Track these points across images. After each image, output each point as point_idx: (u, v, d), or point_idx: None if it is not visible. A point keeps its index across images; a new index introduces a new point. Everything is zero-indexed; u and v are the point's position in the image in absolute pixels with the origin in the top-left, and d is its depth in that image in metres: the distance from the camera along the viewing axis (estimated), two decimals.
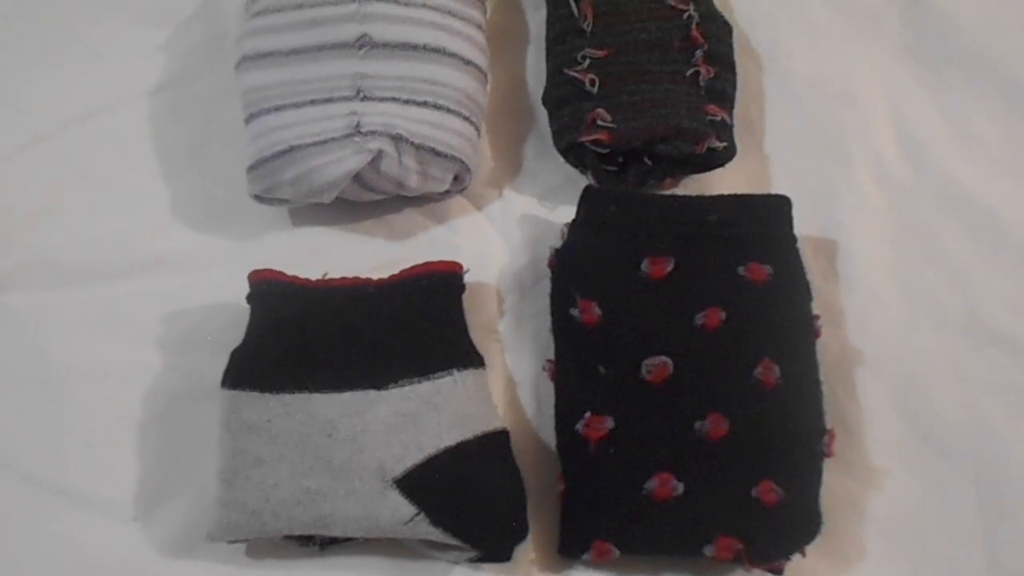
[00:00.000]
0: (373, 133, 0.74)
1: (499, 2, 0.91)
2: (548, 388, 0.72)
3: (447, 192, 0.80)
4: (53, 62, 0.88)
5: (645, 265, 0.71)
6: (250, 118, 0.77)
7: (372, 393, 0.67)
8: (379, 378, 0.68)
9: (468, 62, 0.79)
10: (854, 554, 0.70)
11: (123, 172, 0.83)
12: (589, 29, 0.81)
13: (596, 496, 0.66)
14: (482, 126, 0.81)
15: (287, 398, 0.67)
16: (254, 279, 0.72)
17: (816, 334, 0.71)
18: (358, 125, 0.74)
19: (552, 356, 0.73)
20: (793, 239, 0.74)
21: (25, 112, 0.86)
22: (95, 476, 0.72)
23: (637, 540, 0.66)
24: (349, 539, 0.68)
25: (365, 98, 0.76)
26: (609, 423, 0.67)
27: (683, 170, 0.80)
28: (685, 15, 0.82)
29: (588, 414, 0.67)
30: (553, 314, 0.73)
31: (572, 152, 0.79)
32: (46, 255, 0.79)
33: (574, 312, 0.70)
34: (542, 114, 0.83)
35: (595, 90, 0.78)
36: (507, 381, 0.75)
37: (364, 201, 0.79)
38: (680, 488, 0.65)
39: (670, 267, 0.70)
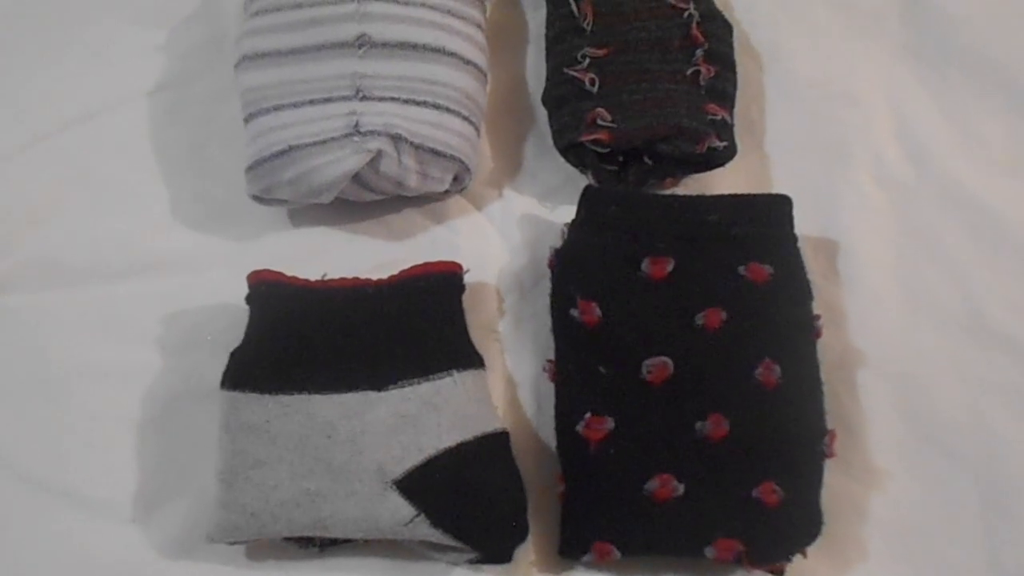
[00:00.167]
0: (372, 133, 0.74)
1: (499, 1, 0.91)
2: (548, 388, 0.72)
3: (447, 192, 0.80)
4: (53, 62, 0.88)
5: (645, 265, 0.70)
6: (249, 118, 0.77)
7: (372, 394, 0.67)
8: (379, 379, 0.68)
9: (468, 61, 0.78)
10: (855, 555, 0.70)
11: (122, 172, 0.83)
12: (589, 28, 0.81)
13: (596, 497, 0.66)
14: (482, 126, 0.81)
15: (286, 399, 0.67)
16: (253, 280, 0.72)
17: (817, 334, 0.71)
18: (357, 125, 0.74)
19: (552, 356, 0.73)
20: (794, 239, 0.73)
21: (25, 112, 0.86)
22: (94, 477, 0.72)
23: (638, 541, 0.66)
24: (349, 540, 0.68)
25: (364, 98, 0.75)
26: (609, 424, 0.67)
27: (683, 170, 0.79)
28: (685, 14, 0.81)
29: (588, 415, 0.67)
30: (553, 314, 0.73)
31: (572, 152, 0.79)
32: (46, 255, 0.79)
33: (574, 312, 0.70)
34: (542, 113, 0.83)
35: (595, 89, 0.78)
36: (507, 381, 0.75)
37: (363, 201, 0.79)
38: (680, 489, 0.65)
39: (670, 267, 0.70)
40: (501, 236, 0.81)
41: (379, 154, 0.73)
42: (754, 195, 0.75)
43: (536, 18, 0.90)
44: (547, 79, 0.82)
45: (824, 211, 0.80)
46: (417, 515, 0.64)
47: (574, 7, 0.82)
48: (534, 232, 0.81)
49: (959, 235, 0.80)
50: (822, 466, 0.68)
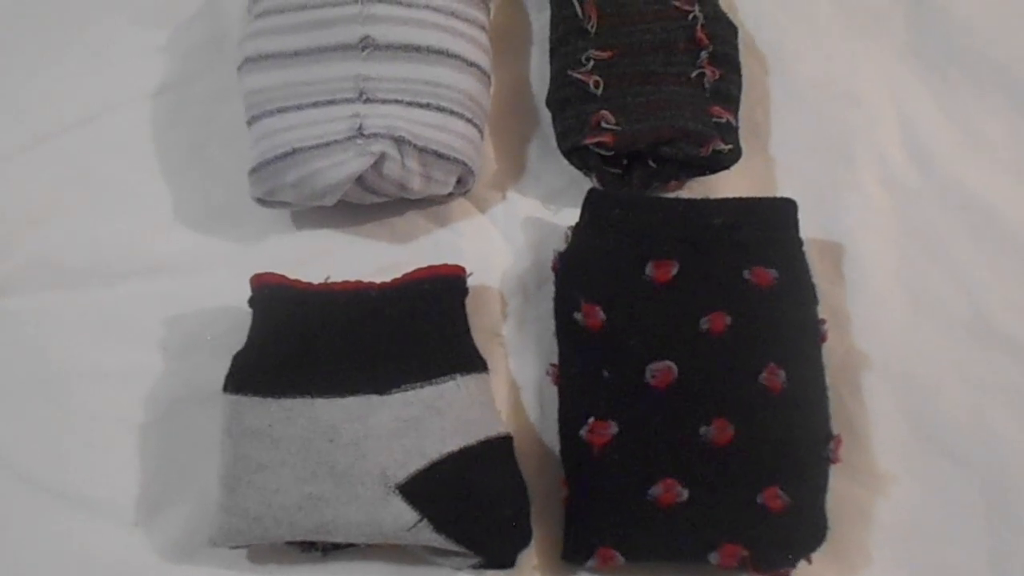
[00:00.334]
0: (376, 136, 0.73)
1: (503, 3, 0.91)
2: (552, 392, 0.72)
3: (450, 194, 0.80)
4: (53, 63, 0.88)
5: (649, 269, 0.70)
6: (252, 120, 0.77)
7: (374, 398, 0.67)
8: (381, 383, 0.67)
9: (471, 64, 0.78)
10: (860, 560, 0.70)
11: (123, 173, 0.83)
12: (593, 30, 0.81)
13: (600, 502, 0.66)
14: (485, 128, 0.81)
15: (289, 403, 0.67)
16: (256, 283, 0.72)
17: (822, 338, 0.71)
18: (361, 127, 0.74)
19: (556, 360, 0.72)
20: (799, 242, 0.73)
21: (26, 113, 0.86)
22: (96, 479, 0.72)
23: (641, 546, 0.65)
24: (351, 545, 0.68)
25: (368, 100, 0.75)
26: (613, 428, 0.66)
27: (688, 172, 0.79)
28: (690, 16, 0.81)
29: (592, 419, 0.67)
30: (557, 318, 0.73)
31: (576, 154, 0.78)
32: (46, 257, 0.79)
33: (578, 316, 0.70)
34: (546, 116, 0.83)
35: (599, 92, 0.78)
36: (510, 385, 0.75)
37: (366, 203, 0.79)
38: (685, 494, 0.65)
39: (675, 271, 0.70)
40: (505, 239, 0.81)
41: (382, 157, 0.73)
42: (759, 199, 0.75)
43: (540, 20, 0.90)
44: (551, 81, 0.82)
45: (828, 213, 0.80)
46: (420, 520, 0.64)
47: (578, 9, 0.81)
48: (538, 235, 0.80)
49: (963, 237, 0.80)
50: (827, 471, 0.67)
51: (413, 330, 0.69)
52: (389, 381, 0.67)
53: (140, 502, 0.71)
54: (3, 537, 0.71)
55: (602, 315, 0.69)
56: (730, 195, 0.76)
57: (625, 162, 0.79)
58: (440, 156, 0.75)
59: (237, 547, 0.67)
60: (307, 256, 0.79)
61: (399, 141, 0.74)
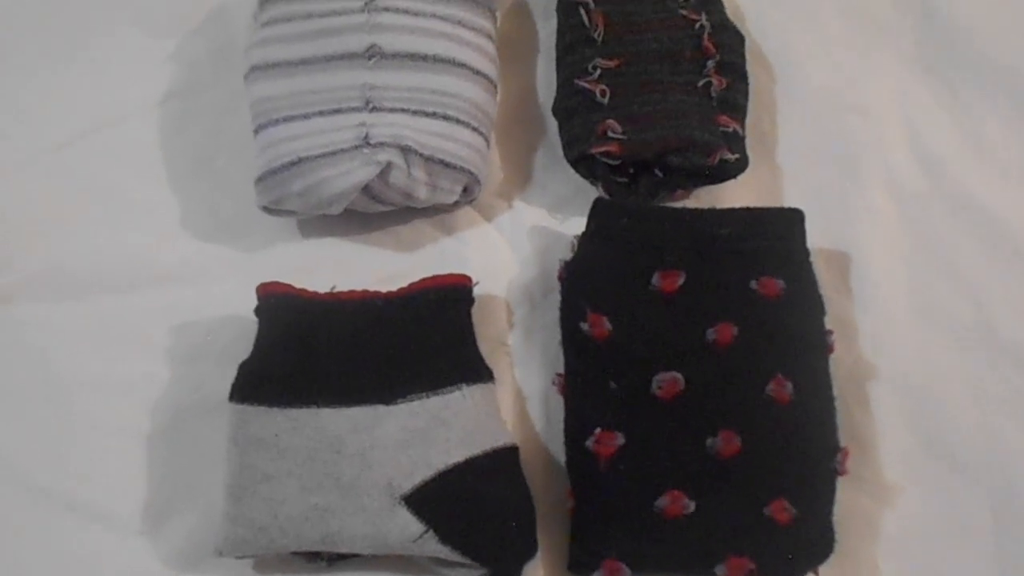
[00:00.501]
0: (382, 145, 0.73)
1: (509, 11, 0.91)
2: (558, 402, 0.71)
3: (456, 203, 0.79)
4: (60, 73, 0.88)
5: (656, 279, 0.70)
6: (258, 129, 0.77)
7: (380, 408, 0.67)
8: (388, 393, 0.67)
9: (477, 72, 0.78)
10: (867, 572, 0.69)
11: (130, 183, 0.83)
12: (600, 39, 0.81)
13: (606, 513, 0.66)
14: (491, 137, 0.81)
15: (295, 413, 0.66)
16: (262, 292, 0.72)
17: (829, 349, 0.70)
18: (367, 136, 0.74)
19: (562, 370, 0.72)
20: (806, 253, 0.73)
21: (33, 123, 0.86)
22: (101, 489, 0.72)
23: (648, 559, 0.65)
24: (357, 555, 0.68)
25: (374, 109, 0.75)
26: (619, 439, 0.66)
27: (694, 182, 0.79)
28: (697, 25, 0.81)
29: (598, 430, 0.67)
30: (563, 327, 0.72)
31: (582, 163, 0.78)
32: (53, 266, 0.79)
33: (584, 326, 0.70)
34: (552, 124, 0.83)
35: (606, 101, 0.78)
36: (516, 394, 0.75)
37: (372, 212, 0.79)
38: (691, 506, 0.64)
39: (681, 281, 0.70)
40: (511, 247, 0.81)
41: (389, 166, 0.73)
42: (766, 208, 0.75)
43: (546, 27, 0.89)
44: (557, 90, 0.82)
45: (836, 223, 0.80)
46: (426, 531, 0.64)
47: (585, 18, 0.81)
48: (544, 243, 0.80)
49: (971, 247, 0.80)
50: (834, 484, 0.67)
51: (419, 340, 0.69)
52: (395, 391, 0.67)
53: (146, 511, 0.71)
54: (9, 546, 0.71)
55: (608, 325, 0.69)
56: (737, 204, 0.76)
57: (632, 171, 0.78)
58: (446, 165, 0.75)
59: (243, 557, 0.67)
60: (313, 265, 0.79)
61: (405, 150, 0.74)
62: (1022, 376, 0.75)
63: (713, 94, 0.79)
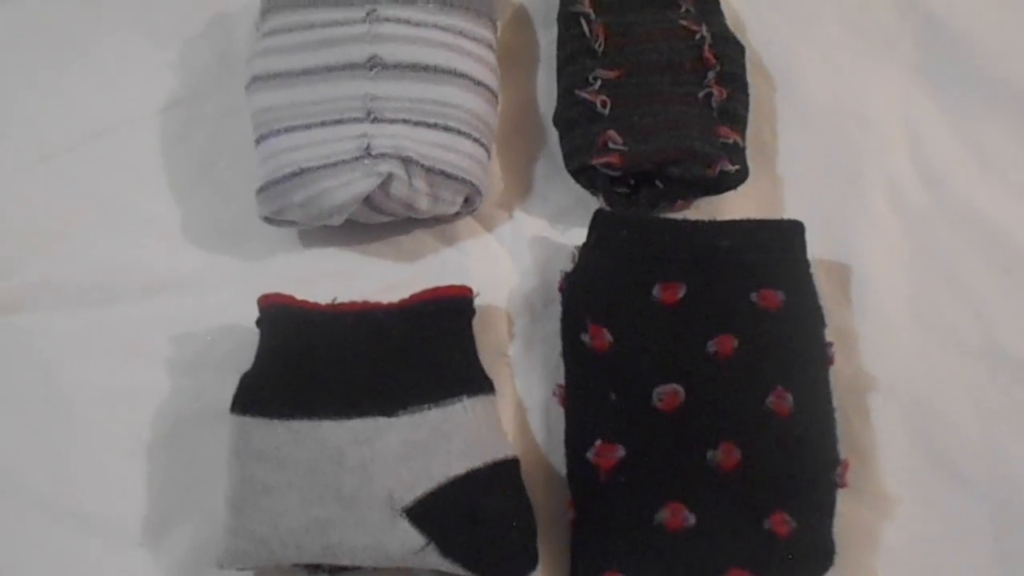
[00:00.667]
0: (383, 156, 0.74)
1: (509, 20, 0.91)
2: (558, 413, 0.71)
3: (457, 214, 0.80)
4: (61, 80, 0.88)
5: (657, 291, 0.70)
6: (260, 139, 0.77)
7: (381, 420, 0.67)
8: (388, 405, 0.67)
9: (478, 83, 0.78)
10: None
11: (131, 192, 0.83)
12: (600, 50, 0.81)
13: (607, 526, 0.66)
14: (492, 147, 0.81)
15: (296, 425, 0.66)
16: (264, 304, 0.72)
17: (830, 361, 0.70)
18: (368, 147, 0.74)
19: (562, 381, 0.72)
20: (806, 265, 0.73)
21: (34, 131, 0.86)
22: (102, 499, 0.72)
23: (648, 571, 0.65)
24: (358, 568, 0.67)
25: (375, 120, 0.75)
26: (620, 452, 0.66)
27: (695, 192, 0.79)
28: (697, 36, 0.81)
29: (599, 442, 0.67)
30: (563, 339, 0.72)
31: (583, 174, 0.78)
32: (54, 275, 0.79)
33: (585, 338, 0.70)
34: (553, 133, 0.83)
35: (606, 112, 0.78)
36: (517, 405, 0.74)
37: (373, 223, 0.79)
38: (692, 519, 0.64)
39: (682, 293, 0.70)
40: (511, 258, 0.81)
41: (390, 177, 0.73)
42: (766, 221, 0.75)
43: (547, 36, 0.90)
44: (558, 100, 0.82)
45: (836, 234, 0.80)
46: (427, 544, 0.63)
47: (586, 28, 0.81)
48: (545, 254, 0.80)
49: (972, 258, 0.80)
50: (835, 496, 0.67)
51: (420, 351, 0.69)
52: (396, 403, 0.67)
53: (146, 522, 0.71)
54: (9, 556, 0.70)
55: (609, 337, 0.69)
56: (737, 215, 0.76)
57: (632, 182, 0.78)
58: (447, 176, 0.75)
59: (244, 569, 0.66)
60: (314, 274, 0.79)
61: (406, 161, 0.74)
62: (1023, 386, 0.75)
63: (714, 105, 0.79)
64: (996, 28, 0.89)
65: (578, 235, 0.77)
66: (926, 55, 0.88)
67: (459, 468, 0.65)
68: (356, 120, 0.75)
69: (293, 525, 0.64)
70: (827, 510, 0.66)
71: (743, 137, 0.80)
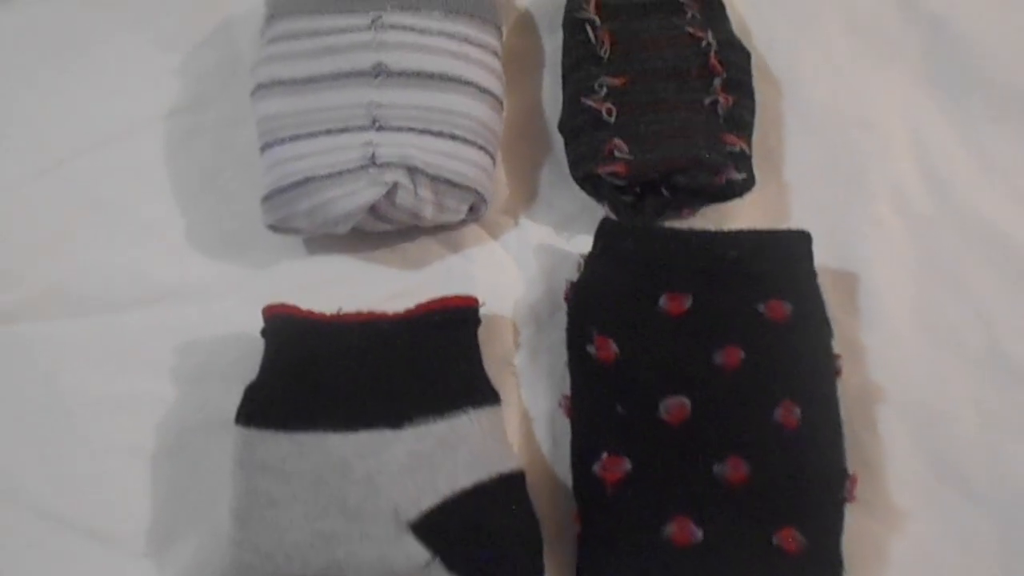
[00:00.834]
0: (388, 165, 0.73)
1: (514, 25, 0.91)
2: (564, 424, 0.71)
3: (462, 221, 0.79)
4: (65, 87, 0.88)
5: (663, 301, 0.70)
6: (265, 147, 0.77)
7: (387, 433, 0.66)
8: (394, 417, 0.67)
9: (484, 90, 0.78)
10: None
11: (136, 200, 0.83)
12: (606, 56, 0.81)
13: (614, 540, 0.65)
14: (498, 154, 0.80)
15: (301, 437, 0.66)
16: (269, 314, 0.71)
17: (837, 373, 0.70)
18: (373, 156, 0.74)
19: (568, 390, 0.72)
20: (813, 275, 0.72)
21: (38, 138, 0.86)
22: (106, 510, 0.71)
23: None
24: None
25: (381, 128, 0.75)
26: (626, 465, 0.66)
27: (701, 200, 0.79)
28: (703, 42, 0.81)
29: (605, 455, 0.66)
30: (569, 350, 0.72)
31: (589, 182, 0.78)
32: (58, 284, 0.79)
33: (591, 349, 0.69)
34: (558, 139, 0.82)
35: (612, 119, 0.78)
36: (523, 415, 0.74)
37: (379, 231, 0.78)
38: (699, 534, 0.63)
39: (688, 303, 0.69)
40: (517, 265, 0.80)
41: (395, 186, 0.73)
42: (773, 231, 0.74)
43: (552, 42, 0.89)
44: (564, 107, 0.81)
45: (842, 242, 0.79)
46: (433, 559, 0.63)
47: (591, 35, 0.81)
48: (550, 262, 0.80)
49: (980, 266, 0.79)
50: (843, 511, 0.66)
51: (426, 362, 0.69)
52: (402, 415, 0.67)
53: (150, 533, 0.70)
54: (10, 566, 0.70)
55: (615, 348, 0.69)
56: (744, 222, 0.76)
57: (638, 190, 0.78)
58: (453, 184, 0.75)
59: None
60: (319, 282, 0.78)
61: (412, 170, 0.73)
62: None
63: (720, 112, 0.79)
64: (1002, 34, 0.89)
65: (584, 242, 0.76)
66: (932, 61, 0.88)
67: (465, 481, 0.65)
68: (361, 128, 0.75)
69: (298, 539, 0.63)
70: (836, 525, 0.65)
71: (749, 144, 0.79)
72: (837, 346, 0.71)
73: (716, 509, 0.64)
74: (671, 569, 0.64)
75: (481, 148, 0.77)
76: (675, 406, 0.66)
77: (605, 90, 0.79)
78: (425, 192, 0.74)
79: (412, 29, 0.78)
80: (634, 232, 0.74)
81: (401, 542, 0.63)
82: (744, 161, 0.78)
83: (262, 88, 0.78)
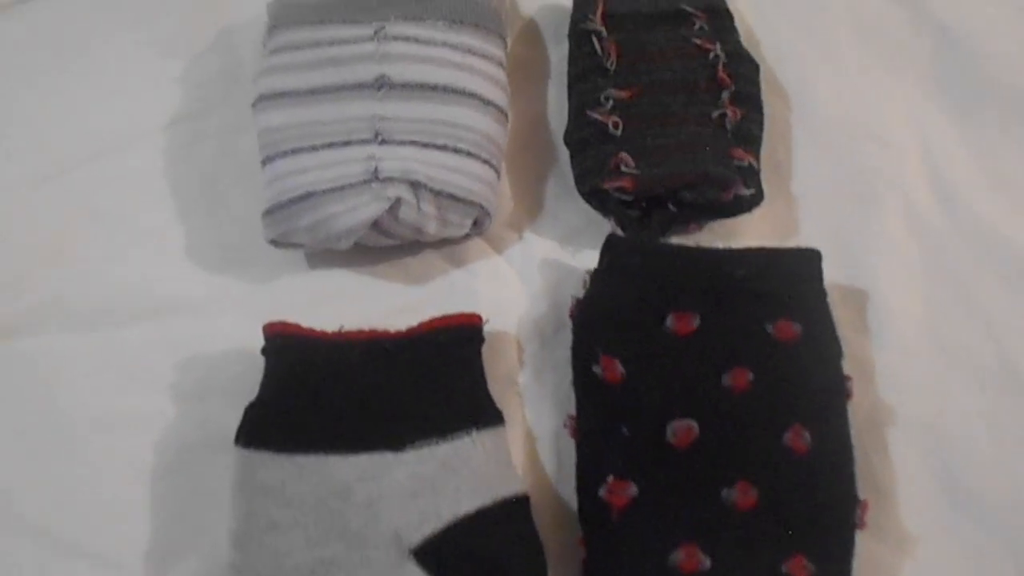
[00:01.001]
0: (391, 179, 0.72)
1: (519, 35, 0.90)
2: (569, 444, 0.70)
3: (466, 235, 0.78)
4: (65, 96, 0.87)
5: (670, 321, 0.68)
6: (267, 161, 0.76)
7: (389, 455, 0.65)
8: (396, 439, 0.66)
9: (488, 102, 0.77)
10: None
11: (136, 212, 0.82)
12: (612, 68, 0.80)
13: (619, 567, 0.64)
14: (502, 168, 0.79)
15: (302, 460, 0.65)
16: (269, 332, 0.70)
17: (848, 395, 0.68)
18: (376, 171, 0.72)
19: (573, 410, 0.70)
20: (823, 294, 0.71)
21: (38, 148, 0.85)
22: (104, 530, 0.70)
23: None
24: None
25: (383, 142, 0.74)
26: (632, 489, 0.64)
27: (709, 216, 0.77)
28: (711, 55, 0.80)
29: (611, 478, 0.65)
30: (575, 369, 0.71)
31: (595, 197, 0.77)
32: (56, 298, 0.78)
33: (596, 369, 0.68)
34: (563, 151, 0.81)
35: (618, 133, 0.77)
36: (527, 435, 0.73)
37: (381, 246, 0.77)
38: (707, 562, 0.62)
39: (696, 323, 0.68)
40: (521, 280, 0.79)
41: (398, 201, 0.72)
42: (782, 249, 0.73)
43: (557, 51, 0.88)
44: (569, 120, 0.80)
45: (852, 258, 0.78)
46: None
47: (598, 46, 0.80)
48: (555, 276, 0.79)
49: (992, 282, 0.78)
50: (853, 538, 0.64)
51: (428, 383, 0.68)
52: (404, 437, 0.66)
53: (149, 555, 0.69)
54: None
55: (621, 369, 0.67)
56: (752, 236, 0.75)
57: (644, 204, 0.77)
58: (456, 199, 0.74)
59: None
60: (321, 297, 0.77)
61: (415, 185, 0.72)
62: None
63: (728, 126, 0.78)
64: (1012, 45, 0.88)
65: (590, 256, 0.75)
66: (943, 72, 0.87)
67: (468, 506, 0.64)
68: (364, 142, 0.74)
69: (298, 564, 0.62)
70: (846, 553, 0.64)
71: (757, 158, 0.78)
72: (847, 365, 0.70)
73: (724, 536, 0.63)
74: None
75: (485, 161, 0.76)
76: (682, 429, 0.65)
77: (611, 103, 0.78)
78: (428, 207, 0.73)
79: (415, 40, 0.77)
80: (641, 249, 0.72)
81: (403, 569, 0.62)
82: (752, 176, 0.77)
83: (263, 99, 0.77)
